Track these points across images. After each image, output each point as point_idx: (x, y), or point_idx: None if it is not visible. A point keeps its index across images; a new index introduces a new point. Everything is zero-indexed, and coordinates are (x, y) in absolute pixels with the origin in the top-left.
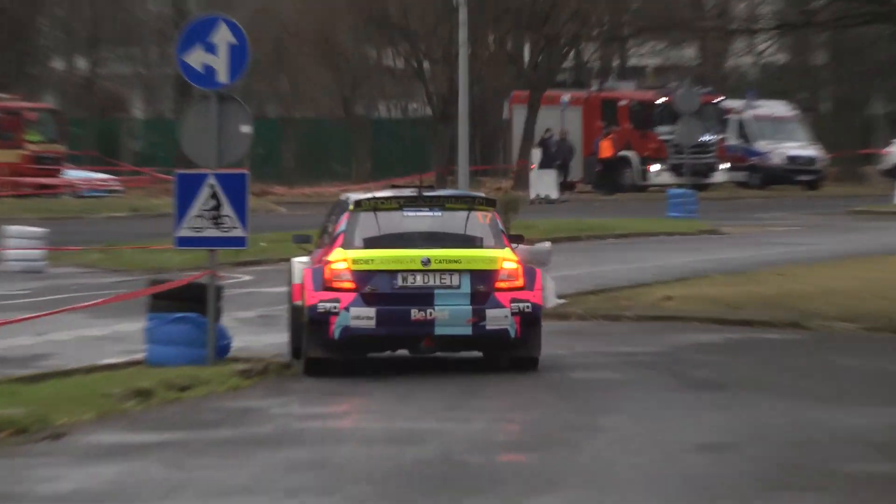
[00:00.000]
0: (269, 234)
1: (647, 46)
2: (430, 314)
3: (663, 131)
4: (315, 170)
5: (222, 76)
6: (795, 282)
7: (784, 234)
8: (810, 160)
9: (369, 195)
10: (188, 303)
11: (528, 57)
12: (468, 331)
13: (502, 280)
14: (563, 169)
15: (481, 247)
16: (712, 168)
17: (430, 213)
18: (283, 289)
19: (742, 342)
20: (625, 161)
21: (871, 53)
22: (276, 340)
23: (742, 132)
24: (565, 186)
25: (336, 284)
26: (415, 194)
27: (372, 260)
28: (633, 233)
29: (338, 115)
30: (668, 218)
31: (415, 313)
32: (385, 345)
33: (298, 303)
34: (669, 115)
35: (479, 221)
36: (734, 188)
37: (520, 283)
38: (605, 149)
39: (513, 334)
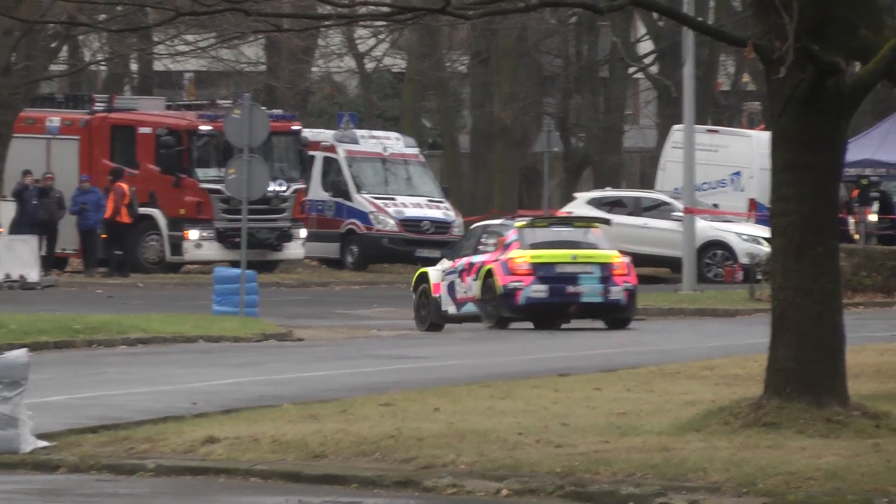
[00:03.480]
0: None
1: (175, 40)
2: (578, 289)
3: (208, 177)
4: None
5: None
6: (413, 417)
7: (397, 340)
8: (442, 225)
9: (530, 218)
10: None
11: None
12: (601, 299)
13: (616, 269)
14: (50, 234)
15: (601, 249)
16: (284, 236)
17: (566, 228)
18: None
19: None
20: (147, 224)
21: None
22: None
23: (334, 180)
24: (51, 262)
25: (518, 271)
26: (555, 216)
27: (542, 256)
28: (157, 336)
29: None
30: (215, 314)
31: (569, 288)
32: (549, 310)
33: (438, 295)
34: (219, 151)
35: (595, 233)
36: (320, 269)
37: (625, 271)
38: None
39: (623, 303)
